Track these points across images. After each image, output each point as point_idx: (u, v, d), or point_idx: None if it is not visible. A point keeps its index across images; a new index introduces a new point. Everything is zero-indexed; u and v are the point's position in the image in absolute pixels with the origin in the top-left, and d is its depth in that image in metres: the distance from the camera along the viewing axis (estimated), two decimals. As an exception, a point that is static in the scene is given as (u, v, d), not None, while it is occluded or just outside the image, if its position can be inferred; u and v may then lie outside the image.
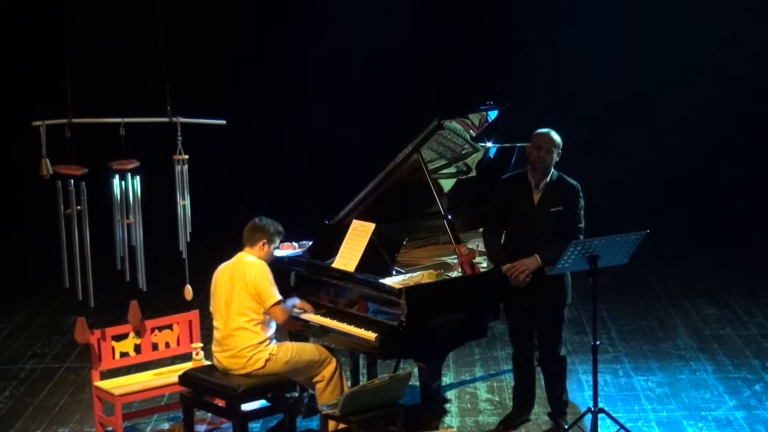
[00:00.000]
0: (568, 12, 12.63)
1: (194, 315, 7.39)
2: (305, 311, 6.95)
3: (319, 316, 6.94)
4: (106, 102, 8.05)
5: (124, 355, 7.19)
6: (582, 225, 6.83)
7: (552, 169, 6.78)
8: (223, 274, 6.82)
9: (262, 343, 6.67)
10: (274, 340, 6.76)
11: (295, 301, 6.94)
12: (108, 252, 6.96)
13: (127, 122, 6.89)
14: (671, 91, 12.71)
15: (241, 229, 6.91)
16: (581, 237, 6.71)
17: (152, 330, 7.28)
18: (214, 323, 6.82)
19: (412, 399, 7.22)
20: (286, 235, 7.02)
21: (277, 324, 6.78)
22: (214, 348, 6.81)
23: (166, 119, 6.96)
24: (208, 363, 7.04)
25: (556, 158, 6.75)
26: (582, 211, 6.83)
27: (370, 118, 12.57)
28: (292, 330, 7.05)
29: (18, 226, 12.68)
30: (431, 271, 6.96)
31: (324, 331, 6.91)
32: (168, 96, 6.91)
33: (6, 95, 12.72)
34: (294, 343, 6.87)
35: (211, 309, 6.86)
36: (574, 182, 6.86)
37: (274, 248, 6.91)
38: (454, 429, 7.17)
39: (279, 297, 6.67)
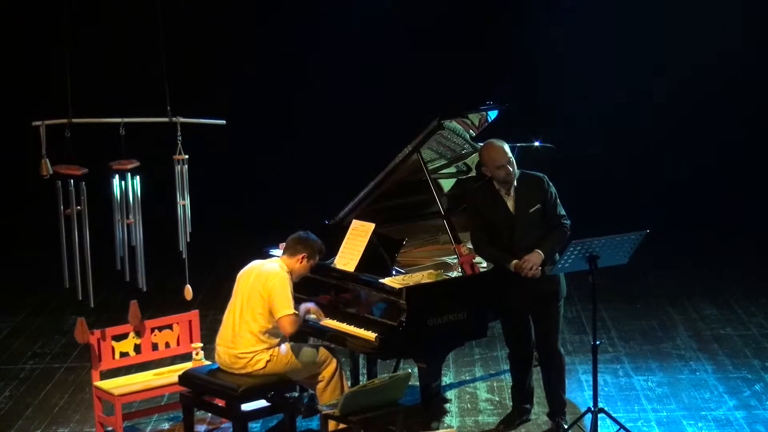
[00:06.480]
0: (568, 11, 12.63)
1: (194, 315, 7.39)
2: (318, 318, 6.90)
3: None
4: (106, 102, 8.05)
5: (124, 355, 7.18)
6: (563, 213, 6.82)
7: None
8: (248, 275, 6.76)
9: (266, 348, 6.66)
10: (281, 345, 6.74)
11: (309, 305, 6.87)
12: (108, 252, 6.97)
13: (127, 122, 6.89)
14: (671, 91, 12.71)
15: (240, 229, 6.90)
16: (568, 223, 6.76)
17: (152, 330, 7.28)
18: (225, 318, 6.79)
19: (412, 399, 7.22)
20: (285, 236, 6.99)
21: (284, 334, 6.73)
22: (218, 342, 6.78)
23: (166, 119, 6.96)
24: (208, 362, 7.04)
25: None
26: (558, 199, 6.81)
27: (370, 118, 12.57)
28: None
29: (18, 226, 12.69)
30: (431, 271, 6.96)
31: (324, 331, 6.91)
32: (168, 96, 6.91)
33: (6, 95, 12.72)
34: (294, 343, 6.86)
35: (228, 305, 6.82)
36: (539, 174, 6.83)
37: (312, 265, 6.83)
38: (454, 429, 7.17)
39: (292, 310, 6.60)
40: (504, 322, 7.07)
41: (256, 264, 6.83)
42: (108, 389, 7.00)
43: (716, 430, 7.16)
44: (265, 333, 6.64)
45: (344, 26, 12.74)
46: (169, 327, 7.35)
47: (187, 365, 7.18)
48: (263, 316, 6.64)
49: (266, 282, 6.63)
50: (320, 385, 6.82)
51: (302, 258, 6.76)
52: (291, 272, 6.72)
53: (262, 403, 6.75)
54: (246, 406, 6.68)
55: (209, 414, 7.36)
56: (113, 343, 7.13)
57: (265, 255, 7.07)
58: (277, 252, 7.18)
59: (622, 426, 6.79)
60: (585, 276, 6.53)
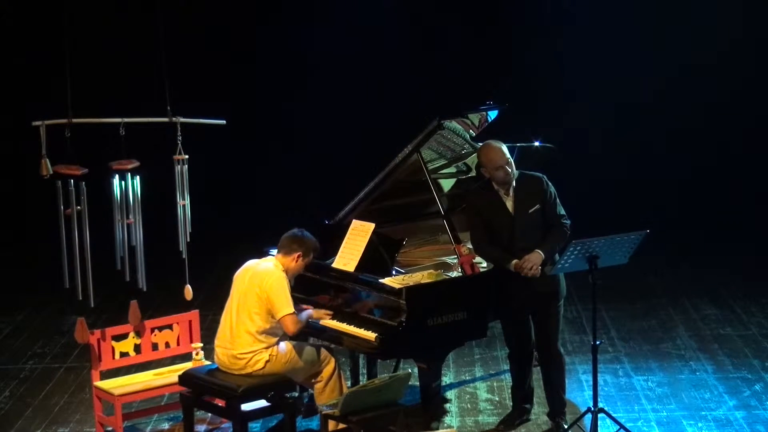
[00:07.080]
0: (568, 11, 12.63)
1: (194, 315, 7.39)
2: (323, 318, 6.90)
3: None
4: (106, 102, 8.05)
5: (124, 355, 7.19)
6: (563, 212, 6.81)
7: None
8: (243, 275, 6.77)
9: (264, 348, 6.66)
10: (280, 344, 6.74)
11: (309, 312, 6.87)
12: (108, 252, 6.97)
13: (127, 122, 6.90)
14: (671, 91, 12.71)
15: (240, 229, 6.89)
16: (568, 223, 6.76)
17: (152, 330, 7.28)
18: (222, 319, 6.80)
19: (412, 399, 7.22)
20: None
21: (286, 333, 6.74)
22: (216, 343, 6.79)
23: (166, 119, 6.97)
24: (207, 363, 7.04)
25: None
26: (557, 199, 6.80)
27: (370, 118, 12.58)
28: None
29: (18, 226, 12.69)
30: (431, 271, 6.96)
31: (324, 331, 6.91)
32: (168, 96, 6.91)
33: (6, 95, 12.72)
34: (293, 343, 6.86)
35: (225, 305, 6.83)
36: (538, 174, 6.82)
37: (307, 263, 6.84)
38: (454, 429, 7.17)
39: (292, 309, 6.61)
40: (504, 322, 7.07)
41: (251, 264, 6.83)
42: (108, 389, 7.00)
43: (716, 430, 7.16)
44: (263, 333, 6.64)
45: (344, 26, 12.73)
46: (169, 327, 7.35)
47: (187, 365, 7.18)
48: (260, 316, 6.64)
49: (262, 282, 6.62)
50: (318, 385, 6.82)
51: (297, 257, 6.76)
52: (286, 271, 6.73)
53: (262, 403, 6.75)
54: (246, 406, 6.68)
55: (209, 414, 7.36)
56: (113, 343, 7.13)
57: (265, 255, 7.07)
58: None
59: (622, 426, 6.79)
60: (585, 276, 6.53)
